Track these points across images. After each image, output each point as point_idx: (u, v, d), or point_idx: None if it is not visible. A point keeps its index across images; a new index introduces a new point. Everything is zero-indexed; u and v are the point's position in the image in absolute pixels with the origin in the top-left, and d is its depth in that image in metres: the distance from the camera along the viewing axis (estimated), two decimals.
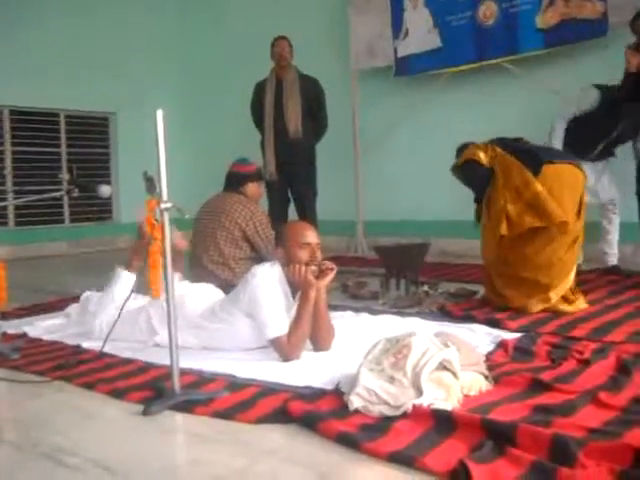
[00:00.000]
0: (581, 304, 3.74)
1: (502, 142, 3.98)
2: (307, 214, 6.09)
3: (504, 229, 3.68)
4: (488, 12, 6.45)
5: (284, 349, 2.83)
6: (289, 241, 2.95)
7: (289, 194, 6.25)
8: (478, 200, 4.06)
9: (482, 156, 3.87)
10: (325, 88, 8.11)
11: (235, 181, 4.28)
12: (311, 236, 2.96)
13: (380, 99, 7.59)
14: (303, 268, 2.88)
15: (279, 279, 2.95)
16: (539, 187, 3.62)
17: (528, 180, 3.65)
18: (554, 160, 3.75)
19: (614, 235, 5.03)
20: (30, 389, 2.68)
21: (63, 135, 8.91)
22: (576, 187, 3.76)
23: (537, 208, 3.61)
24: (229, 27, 9.11)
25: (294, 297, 3.00)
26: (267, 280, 2.90)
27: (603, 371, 2.53)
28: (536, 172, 3.66)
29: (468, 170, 4.03)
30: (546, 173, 3.66)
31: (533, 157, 3.74)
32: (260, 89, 6.21)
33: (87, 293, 3.74)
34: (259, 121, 6.26)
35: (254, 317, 2.91)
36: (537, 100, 6.37)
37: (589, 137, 4.88)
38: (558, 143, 4.87)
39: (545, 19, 6.09)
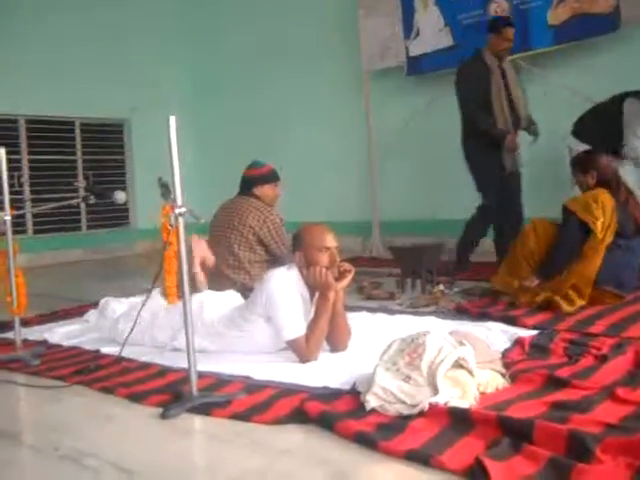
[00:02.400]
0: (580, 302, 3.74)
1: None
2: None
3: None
4: (499, 9, 6.44)
5: (302, 350, 2.85)
6: (308, 245, 2.94)
7: None
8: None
9: (599, 225, 3.64)
10: (338, 89, 8.17)
11: (248, 184, 4.30)
12: (330, 240, 2.95)
13: (393, 99, 7.59)
14: (324, 270, 2.88)
15: (296, 282, 2.95)
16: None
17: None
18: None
19: None
20: (50, 394, 2.71)
21: (78, 143, 8.99)
22: None
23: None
24: (241, 31, 9.14)
25: (312, 299, 3.01)
26: (283, 282, 2.91)
27: (621, 367, 2.52)
28: None
29: (567, 229, 3.78)
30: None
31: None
32: (479, 76, 5.18)
33: (106, 299, 3.79)
34: (479, 110, 5.21)
35: (271, 320, 2.92)
36: (551, 97, 6.34)
37: None
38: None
39: (556, 15, 6.07)
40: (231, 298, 3.42)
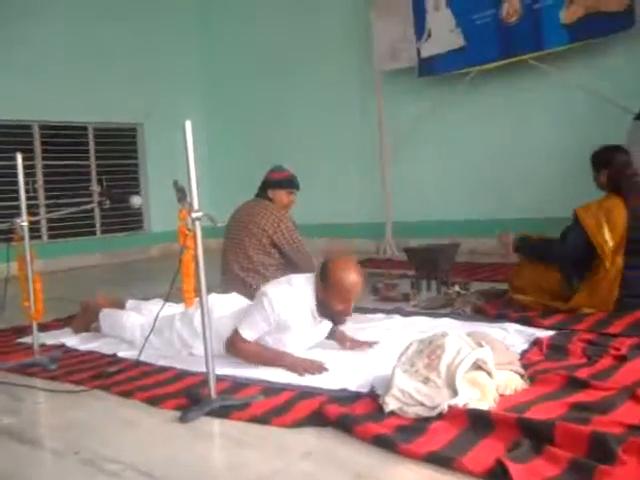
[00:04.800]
0: None
1: None
2: None
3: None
4: (511, 9, 6.41)
5: (233, 342, 2.92)
6: (333, 287, 2.84)
7: None
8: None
9: (607, 251, 3.50)
10: (349, 91, 8.17)
11: (264, 186, 4.32)
12: (355, 294, 2.88)
13: (405, 100, 7.58)
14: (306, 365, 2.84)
15: (307, 301, 2.92)
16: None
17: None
18: None
19: None
20: (69, 398, 2.73)
21: (92, 148, 9.02)
22: None
23: None
24: (255, 35, 9.15)
25: (321, 314, 2.97)
26: (275, 307, 2.87)
27: None
28: None
29: (571, 235, 3.66)
30: None
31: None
32: None
33: (128, 307, 3.83)
34: None
35: (249, 308, 2.99)
36: (566, 96, 6.32)
37: None
38: None
39: (569, 14, 6.03)
40: (236, 301, 3.40)
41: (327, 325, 3.10)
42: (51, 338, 3.80)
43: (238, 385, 2.68)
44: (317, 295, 2.92)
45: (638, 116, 5.06)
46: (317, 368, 2.80)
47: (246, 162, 8.94)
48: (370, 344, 3.15)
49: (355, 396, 2.40)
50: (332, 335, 3.18)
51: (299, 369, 2.79)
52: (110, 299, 3.98)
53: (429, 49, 7.15)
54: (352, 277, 2.83)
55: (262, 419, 2.27)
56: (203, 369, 2.46)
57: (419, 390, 2.19)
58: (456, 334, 2.37)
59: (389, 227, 7.68)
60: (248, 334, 2.91)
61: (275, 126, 8.97)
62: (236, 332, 2.93)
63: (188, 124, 2.39)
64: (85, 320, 3.90)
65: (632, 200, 3.59)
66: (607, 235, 3.52)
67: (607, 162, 3.74)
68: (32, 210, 3.54)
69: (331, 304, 2.88)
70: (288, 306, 2.89)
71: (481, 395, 2.19)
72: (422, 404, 2.15)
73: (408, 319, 3.77)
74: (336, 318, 2.97)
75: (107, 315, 3.73)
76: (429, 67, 7.21)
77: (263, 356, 2.92)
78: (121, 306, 3.85)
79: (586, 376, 2.41)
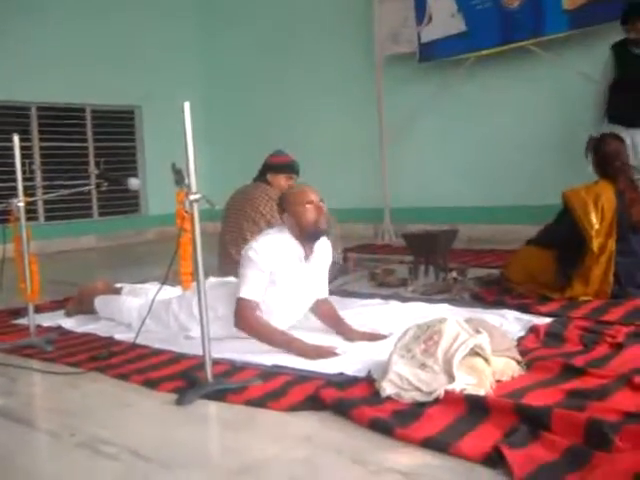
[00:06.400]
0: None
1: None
2: None
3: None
4: None
5: (241, 312, 2.90)
6: (292, 204, 3.01)
7: None
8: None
9: (594, 234, 3.51)
10: (350, 75, 8.13)
11: (264, 170, 4.31)
12: (312, 194, 3.04)
13: (405, 85, 7.54)
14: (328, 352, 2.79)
15: (287, 243, 3.00)
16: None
17: None
18: None
19: None
20: (66, 380, 2.72)
21: (90, 129, 8.98)
22: None
23: None
24: (255, 17, 9.08)
25: (306, 257, 3.04)
26: (264, 247, 2.94)
27: (637, 355, 2.50)
28: None
29: (560, 223, 3.75)
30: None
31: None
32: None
33: (124, 290, 3.82)
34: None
35: (239, 275, 2.98)
36: (566, 83, 6.29)
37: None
38: None
39: (571, 0, 5.99)
40: (234, 285, 3.39)
41: (316, 279, 3.14)
42: (47, 319, 3.80)
43: (234, 368, 2.67)
44: (291, 230, 3.01)
45: (610, 119, 5.12)
46: (328, 352, 2.78)
47: (244, 145, 8.92)
48: (381, 335, 2.99)
49: (352, 380, 2.40)
50: (339, 330, 3.14)
51: (311, 353, 2.75)
52: (110, 285, 3.97)
53: (430, 34, 7.11)
54: (299, 187, 3.15)
55: (258, 403, 2.27)
56: (200, 352, 2.46)
57: (416, 375, 2.19)
58: (454, 320, 2.37)
59: (387, 212, 7.66)
60: (249, 293, 2.90)
61: (274, 110, 8.92)
62: (239, 299, 2.91)
63: (187, 105, 2.37)
64: (81, 308, 3.88)
65: (620, 185, 3.64)
66: (594, 218, 3.52)
67: (595, 148, 3.79)
68: (29, 191, 3.53)
69: (302, 219, 2.97)
70: (273, 249, 2.95)
71: (478, 381, 2.19)
72: (419, 389, 2.15)
73: (405, 305, 3.76)
74: (317, 230, 2.99)
75: (104, 300, 3.72)
76: (430, 52, 7.17)
77: (272, 338, 2.87)
78: (118, 293, 3.84)
79: (582, 363, 2.41)
